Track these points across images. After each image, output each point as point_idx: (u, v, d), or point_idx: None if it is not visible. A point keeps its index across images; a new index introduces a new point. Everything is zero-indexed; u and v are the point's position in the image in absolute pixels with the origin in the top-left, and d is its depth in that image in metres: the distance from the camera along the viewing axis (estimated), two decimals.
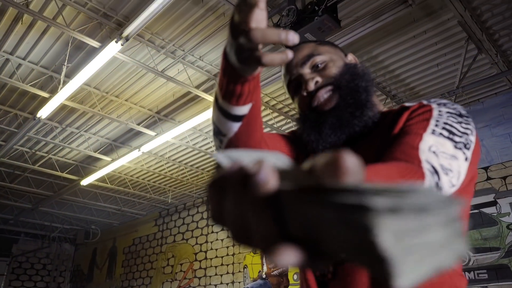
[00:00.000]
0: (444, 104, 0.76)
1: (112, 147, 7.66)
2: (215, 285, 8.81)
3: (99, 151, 7.72)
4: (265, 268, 4.96)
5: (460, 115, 0.74)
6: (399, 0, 3.50)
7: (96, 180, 8.56)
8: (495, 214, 5.43)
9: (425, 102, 0.79)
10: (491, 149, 5.67)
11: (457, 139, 0.68)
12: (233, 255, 8.66)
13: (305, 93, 0.82)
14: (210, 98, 5.76)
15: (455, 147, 0.67)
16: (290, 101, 6.18)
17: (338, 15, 3.09)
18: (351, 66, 0.82)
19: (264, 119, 6.62)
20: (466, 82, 5.26)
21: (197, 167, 8.54)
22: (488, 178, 5.59)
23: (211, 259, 9.15)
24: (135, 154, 7.18)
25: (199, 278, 9.25)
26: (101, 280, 12.51)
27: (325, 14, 2.86)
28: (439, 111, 0.73)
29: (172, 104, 6.48)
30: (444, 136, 0.68)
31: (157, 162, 8.36)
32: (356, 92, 0.77)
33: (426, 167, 0.60)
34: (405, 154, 0.62)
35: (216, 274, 8.91)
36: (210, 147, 7.58)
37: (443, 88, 5.57)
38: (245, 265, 8.33)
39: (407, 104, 0.80)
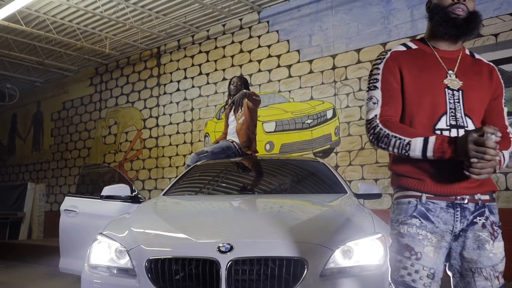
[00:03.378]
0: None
1: None
2: (170, 157, 8.31)
3: None
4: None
5: None
6: None
7: (5, 20, 7.29)
8: None
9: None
10: None
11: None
12: (191, 121, 8.03)
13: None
14: None
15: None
16: None
17: None
18: (477, 12, 1.85)
19: None
20: None
21: (142, 6, 7.31)
22: None
23: (163, 126, 8.52)
24: None
25: (149, 149, 8.73)
26: (26, 152, 11.89)
27: None
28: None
29: None
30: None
31: None
32: (476, 23, 1.83)
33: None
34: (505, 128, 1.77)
35: (170, 144, 8.37)
36: None
37: None
38: (207, 133, 7.76)
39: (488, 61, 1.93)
